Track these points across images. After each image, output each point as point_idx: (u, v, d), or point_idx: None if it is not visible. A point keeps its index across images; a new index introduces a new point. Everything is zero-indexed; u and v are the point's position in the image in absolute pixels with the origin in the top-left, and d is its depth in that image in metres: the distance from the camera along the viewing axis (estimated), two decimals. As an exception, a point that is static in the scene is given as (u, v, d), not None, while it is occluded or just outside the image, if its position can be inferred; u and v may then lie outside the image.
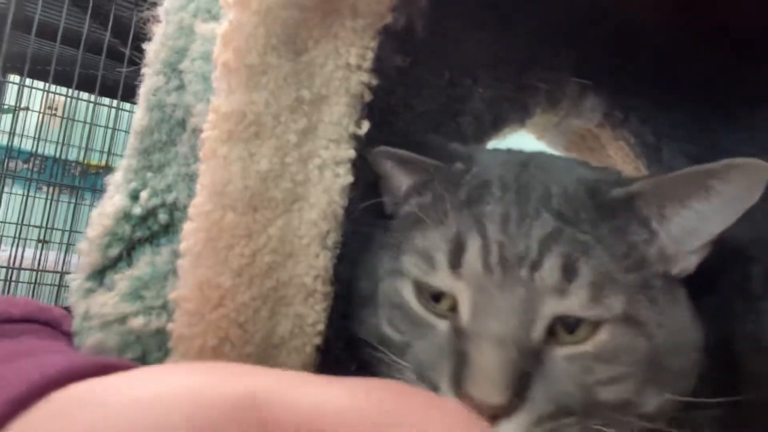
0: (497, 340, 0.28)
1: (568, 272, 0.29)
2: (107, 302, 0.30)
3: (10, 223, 1.74)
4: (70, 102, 1.69)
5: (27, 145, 1.89)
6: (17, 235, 1.67)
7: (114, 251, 0.31)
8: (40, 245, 1.73)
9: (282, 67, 0.28)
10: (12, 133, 1.70)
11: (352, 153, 0.32)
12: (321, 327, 0.31)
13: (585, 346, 0.29)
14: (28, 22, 1.27)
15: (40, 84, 1.80)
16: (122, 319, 0.29)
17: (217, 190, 0.28)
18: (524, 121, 0.53)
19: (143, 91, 0.34)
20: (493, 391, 0.27)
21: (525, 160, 0.36)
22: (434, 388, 0.29)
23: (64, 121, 1.79)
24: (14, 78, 1.74)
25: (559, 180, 0.33)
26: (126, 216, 0.32)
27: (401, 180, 0.37)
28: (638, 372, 0.30)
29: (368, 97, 0.32)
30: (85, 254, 0.32)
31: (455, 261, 0.30)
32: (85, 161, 1.86)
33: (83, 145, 1.75)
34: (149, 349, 0.29)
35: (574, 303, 0.29)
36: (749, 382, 0.33)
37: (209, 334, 0.28)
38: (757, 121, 0.44)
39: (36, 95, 1.86)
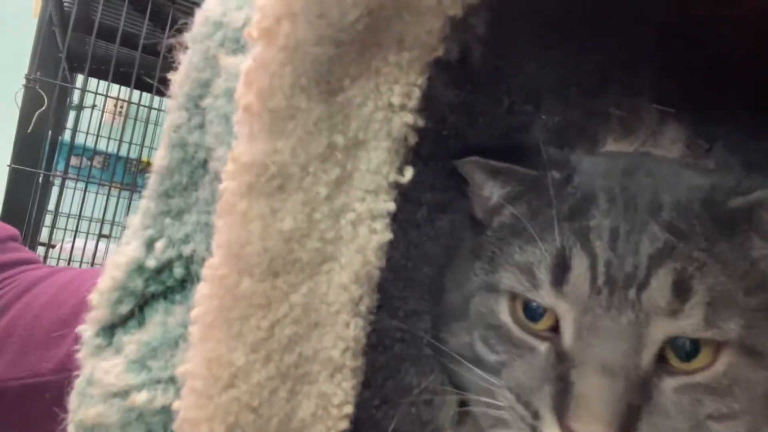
0: (604, 368, 0.26)
1: (681, 291, 0.27)
2: (112, 370, 0.26)
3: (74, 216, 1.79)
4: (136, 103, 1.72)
5: (91, 143, 1.95)
6: (77, 228, 1.72)
7: (124, 308, 0.28)
8: (98, 238, 1.78)
9: (312, 110, 0.24)
10: (89, 133, 1.76)
11: (391, 205, 0.27)
12: (349, 409, 0.27)
13: (698, 376, 0.27)
14: (89, 23, 1.30)
15: (115, 87, 1.84)
16: (125, 393, 0.26)
17: (234, 252, 0.24)
18: (594, 151, 0.47)
19: (165, 126, 0.30)
20: (598, 426, 0.25)
21: (630, 167, 0.33)
22: (534, 414, 0.28)
23: (129, 120, 1.84)
24: (81, 78, 1.79)
25: (670, 188, 0.31)
26: (139, 268, 0.28)
27: (492, 190, 0.34)
28: (755, 409, 0.27)
29: (413, 139, 0.28)
30: (95, 307, 0.29)
31: (559, 279, 0.28)
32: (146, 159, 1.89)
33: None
34: (153, 428, 0.26)
35: (687, 324, 0.27)
36: None
37: (217, 420, 0.24)
38: None
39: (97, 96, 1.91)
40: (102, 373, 0.27)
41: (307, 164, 0.25)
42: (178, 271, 0.28)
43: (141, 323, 0.28)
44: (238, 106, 0.24)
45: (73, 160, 2.06)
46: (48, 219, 1.78)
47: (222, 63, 0.27)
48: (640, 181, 0.31)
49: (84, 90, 1.59)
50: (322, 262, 0.26)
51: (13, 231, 0.48)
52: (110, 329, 0.29)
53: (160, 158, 0.30)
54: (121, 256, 0.29)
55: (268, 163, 0.24)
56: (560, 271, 0.28)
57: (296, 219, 0.25)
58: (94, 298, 0.29)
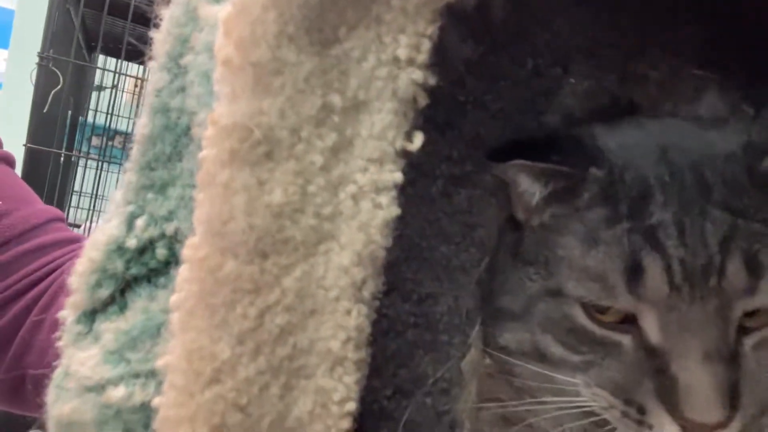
0: (703, 357, 0.27)
1: (754, 269, 0.28)
2: (88, 361, 0.24)
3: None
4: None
5: (111, 123, 1.95)
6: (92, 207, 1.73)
7: (104, 292, 0.26)
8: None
9: (302, 64, 0.21)
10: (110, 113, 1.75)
11: (398, 176, 0.24)
12: (351, 406, 0.24)
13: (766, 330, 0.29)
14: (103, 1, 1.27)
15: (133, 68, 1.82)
16: (101, 388, 0.23)
17: (215, 229, 0.21)
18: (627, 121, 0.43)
19: (148, 90, 0.27)
20: (713, 411, 0.26)
21: (663, 146, 0.32)
22: (639, 409, 0.28)
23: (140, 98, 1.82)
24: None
25: (709, 162, 0.31)
26: (119, 248, 0.26)
27: (534, 189, 0.33)
28: None
29: (423, 100, 0.24)
30: (74, 291, 0.26)
31: (634, 283, 0.28)
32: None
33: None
34: (131, 427, 0.23)
35: (764, 298, 0.28)
36: None
37: (199, 420, 0.21)
38: None
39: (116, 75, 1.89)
40: (78, 365, 0.24)
41: (298, 128, 0.21)
42: (161, 251, 0.26)
43: (122, 309, 0.26)
44: (218, 61, 0.20)
45: (95, 141, 2.06)
46: (74, 199, 1.79)
47: (201, 13, 0.24)
48: (680, 161, 0.31)
49: (98, 68, 1.57)
50: (319, 241, 0.23)
51: (56, 212, 0.47)
52: (91, 315, 0.26)
53: (141, 126, 0.27)
54: (100, 235, 0.26)
55: (253, 126, 0.21)
56: (634, 275, 0.28)
57: (287, 191, 0.22)
58: (73, 281, 0.27)
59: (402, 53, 0.22)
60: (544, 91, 0.39)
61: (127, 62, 1.63)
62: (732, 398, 0.27)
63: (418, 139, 0.25)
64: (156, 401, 0.22)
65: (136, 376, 0.23)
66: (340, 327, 0.24)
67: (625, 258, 0.28)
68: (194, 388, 0.21)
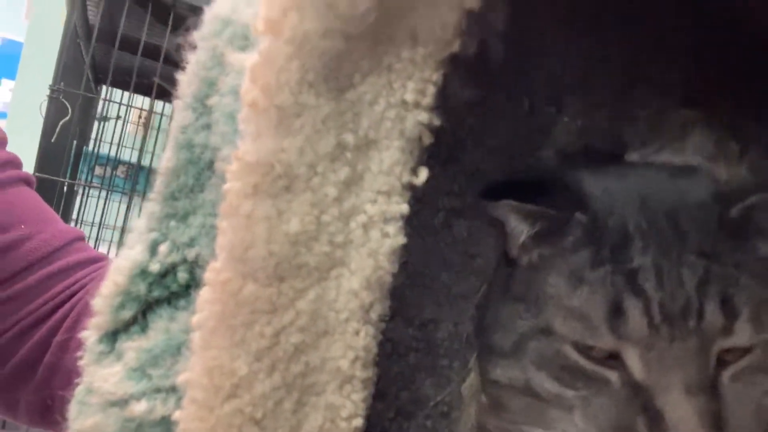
0: (685, 391, 0.28)
1: (729, 310, 0.29)
2: (111, 377, 0.25)
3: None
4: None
5: (114, 152, 1.98)
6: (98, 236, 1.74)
7: (127, 313, 0.27)
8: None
9: (320, 107, 0.23)
10: (115, 143, 1.78)
11: (404, 208, 0.26)
12: (358, 422, 0.25)
13: (743, 362, 0.30)
14: (113, 35, 1.31)
15: (139, 100, 1.85)
16: (124, 402, 0.24)
17: (237, 255, 0.23)
18: (618, 157, 0.45)
19: (172, 127, 0.29)
20: None
21: (642, 194, 0.34)
22: None
23: (152, 130, 1.86)
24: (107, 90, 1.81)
25: (684, 210, 0.32)
26: (142, 272, 0.27)
27: (522, 228, 0.35)
28: None
29: (428, 139, 0.26)
30: (97, 312, 0.28)
31: (616, 324, 0.30)
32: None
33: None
34: None
35: (741, 338, 0.29)
36: None
37: (218, 433, 0.23)
38: None
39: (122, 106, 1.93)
40: (101, 381, 0.26)
41: (315, 164, 0.24)
42: (182, 275, 0.27)
43: (144, 329, 0.27)
44: (244, 103, 0.23)
45: (98, 170, 2.09)
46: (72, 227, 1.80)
47: (229, 60, 0.26)
48: (657, 209, 0.33)
49: (107, 100, 1.61)
50: (331, 266, 0.25)
51: (78, 232, 0.48)
52: (113, 335, 0.28)
53: (166, 160, 0.29)
54: (124, 261, 0.28)
55: (274, 162, 0.23)
56: (616, 316, 0.30)
57: (303, 221, 0.24)
58: (96, 303, 0.28)
59: (409, 97, 0.25)
60: (539, 128, 0.41)
61: (133, 95, 1.67)
62: (717, 427, 0.28)
63: (423, 174, 0.27)
64: (176, 415, 0.24)
65: (158, 391, 0.25)
66: (349, 347, 0.25)
67: (608, 300, 0.30)
68: (214, 402, 0.23)
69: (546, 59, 0.40)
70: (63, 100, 1.21)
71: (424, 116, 0.25)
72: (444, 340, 0.38)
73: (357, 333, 0.25)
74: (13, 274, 0.42)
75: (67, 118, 1.29)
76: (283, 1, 0.21)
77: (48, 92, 1.20)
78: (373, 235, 0.25)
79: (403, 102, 0.25)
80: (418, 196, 0.29)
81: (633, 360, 0.30)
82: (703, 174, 0.37)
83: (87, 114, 1.89)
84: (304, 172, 0.23)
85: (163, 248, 0.27)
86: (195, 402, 0.23)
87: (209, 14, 0.29)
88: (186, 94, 0.29)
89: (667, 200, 0.33)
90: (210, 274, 0.24)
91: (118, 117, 1.94)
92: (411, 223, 0.29)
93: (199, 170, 0.28)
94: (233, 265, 0.23)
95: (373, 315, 0.26)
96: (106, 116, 1.98)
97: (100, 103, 1.90)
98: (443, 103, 0.27)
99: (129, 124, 2.00)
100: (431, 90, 0.25)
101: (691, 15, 0.36)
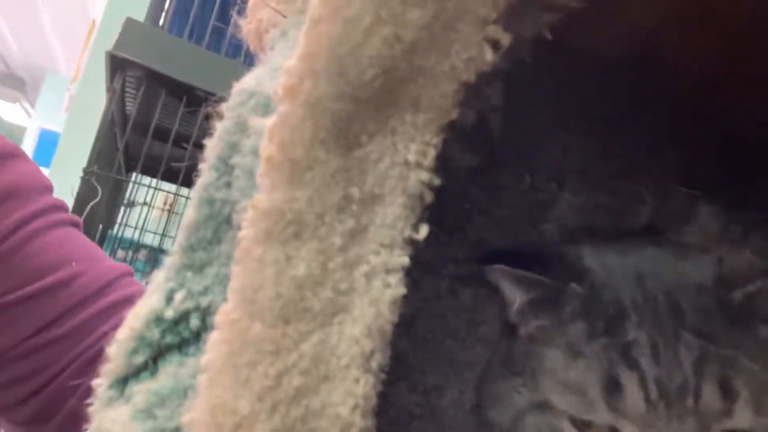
0: None
1: (727, 393, 0.29)
2: (118, 419, 0.26)
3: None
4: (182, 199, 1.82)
5: (137, 236, 2.03)
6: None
7: (139, 358, 0.28)
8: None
9: (330, 162, 0.25)
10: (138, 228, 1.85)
11: (405, 260, 0.28)
12: (357, 472, 0.25)
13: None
14: (147, 125, 1.41)
15: (165, 185, 1.94)
16: (129, 442, 0.25)
17: (247, 297, 0.25)
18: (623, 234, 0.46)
19: (196, 187, 0.32)
20: None
21: (640, 272, 0.34)
22: None
23: (175, 215, 1.92)
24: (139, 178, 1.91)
25: (683, 290, 0.32)
26: (157, 319, 0.29)
27: (515, 296, 0.35)
28: None
29: (429, 198, 0.28)
30: (111, 359, 0.29)
31: (613, 399, 0.30)
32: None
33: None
34: None
35: (741, 421, 0.29)
36: None
37: (217, 472, 0.23)
38: None
39: (149, 192, 2.02)
40: (109, 423, 0.26)
41: (323, 214, 0.26)
42: (195, 322, 0.29)
43: (153, 374, 0.28)
44: (262, 158, 0.25)
45: (120, 253, 2.15)
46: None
47: (251, 123, 0.29)
48: (655, 287, 0.32)
49: (136, 182, 1.69)
50: (335, 312, 0.26)
51: (127, 268, 0.49)
52: (123, 381, 0.29)
53: (188, 216, 0.32)
54: (141, 308, 0.30)
55: (286, 210, 0.25)
56: (612, 392, 0.29)
57: (310, 266, 0.25)
58: (111, 350, 0.30)
59: (411, 158, 0.27)
60: (541, 203, 0.43)
61: (161, 180, 1.75)
62: None
63: (424, 230, 0.28)
64: (178, 455, 0.24)
65: (163, 430, 0.25)
66: (350, 394, 0.26)
67: (603, 373, 0.30)
68: (215, 441, 0.23)
69: (546, 139, 0.43)
70: (94, 182, 1.27)
71: (425, 176, 0.28)
72: (448, 408, 0.37)
73: (357, 380, 0.26)
74: (68, 310, 0.43)
75: (97, 199, 1.35)
76: (301, 69, 0.24)
77: (81, 174, 1.27)
78: (375, 284, 0.27)
79: (405, 162, 0.27)
80: (424, 262, 0.30)
81: None
82: (707, 256, 0.37)
83: (115, 200, 1.98)
84: (313, 221, 0.25)
85: (178, 296, 0.29)
86: (197, 441, 0.24)
87: (236, 88, 0.33)
88: (210, 156, 0.32)
89: (667, 279, 0.33)
90: (221, 315, 0.25)
91: (144, 203, 2.02)
92: (417, 289, 0.30)
93: (218, 224, 0.30)
94: (243, 307, 0.25)
95: (374, 363, 0.27)
96: (133, 202, 2.06)
97: (129, 188, 1.98)
98: (444, 165, 0.29)
99: (153, 209, 2.08)
100: (431, 152, 0.28)
101: (692, 108, 0.39)
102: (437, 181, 0.29)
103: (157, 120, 1.43)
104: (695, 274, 0.34)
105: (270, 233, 0.25)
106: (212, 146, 0.32)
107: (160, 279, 0.31)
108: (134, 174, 1.89)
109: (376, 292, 0.27)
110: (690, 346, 0.29)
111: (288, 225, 0.25)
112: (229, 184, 0.30)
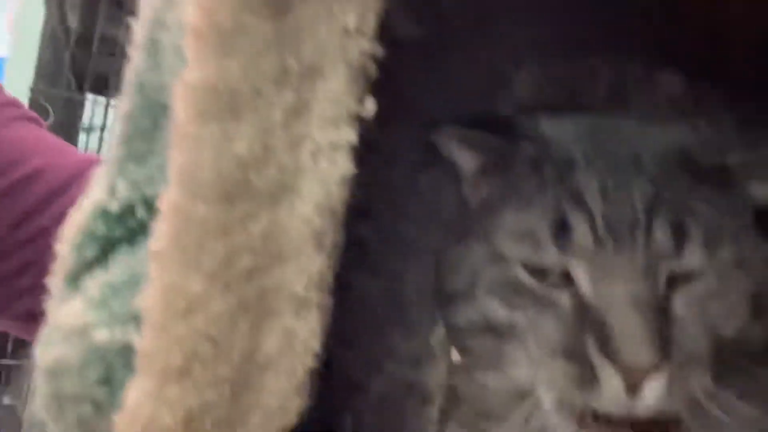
0: (631, 304, 0.28)
1: (680, 234, 0.29)
2: (72, 310, 0.26)
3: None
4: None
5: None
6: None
7: (88, 253, 0.28)
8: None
9: (260, 28, 0.24)
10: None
11: (353, 137, 0.27)
12: (316, 345, 0.26)
13: (696, 285, 0.30)
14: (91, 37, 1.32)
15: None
16: (84, 331, 0.25)
17: (187, 177, 0.24)
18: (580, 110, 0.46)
19: (127, 74, 0.30)
20: (645, 353, 0.27)
21: (601, 129, 0.34)
22: (582, 362, 0.29)
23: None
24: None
25: (646, 145, 0.32)
26: (103, 213, 0.28)
27: (469, 161, 0.35)
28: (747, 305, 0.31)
29: (373, 70, 0.27)
30: (61, 256, 0.29)
31: (562, 239, 0.30)
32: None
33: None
34: (114, 367, 0.25)
35: (691, 261, 0.29)
36: None
37: (174, 351, 0.23)
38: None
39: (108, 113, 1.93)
40: (63, 316, 0.26)
41: (259, 87, 0.24)
42: (141, 213, 0.28)
43: (105, 268, 0.28)
44: (186, 28, 0.24)
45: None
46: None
47: (176, -3, 0.27)
48: (616, 142, 0.32)
49: (91, 102, 1.61)
50: (282, 192, 0.26)
51: (97, 158, 0.47)
52: (75, 276, 0.28)
53: (123, 105, 0.30)
54: (85, 203, 0.29)
55: (218, 83, 0.23)
56: (562, 232, 0.30)
57: (251, 144, 0.24)
58: (60, 247, 0.29)
59: (351, 24, 0.26)
60: (497, 82, 0.42)
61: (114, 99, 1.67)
62: (664, 344, 0.28)
63: (370, 104, 0.27)
64: (136, 340, 0.24)
65: (117, 319, 0.25)
66: (304, 272, 0.26)
67: (553, 217, 0.30)
68: (169, 321, 0.23)
69: (499, 17, 0.41)
70: (43, 102, 1.21)
71: (366, 45, 0.26)
72: (411, 293, 0.38)
73: (310, 259, 0.26)
74: (44, 199, 0.42)
75: (50, 121, 1.29)
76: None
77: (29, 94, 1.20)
78: (322, 162, 0.26)
79: (344, 29, 0.26)
80: (377, 145, 0.30)
81: (580, 276, 0.30)
82: (677, 124, 0.36)
83: (70, 123, 1.89)
84: (249, 95, 0.24)
85: (121, 187, 0.28)
86: (151, 323, 0.24)
87: None
88: (138, 38, 0.29)
89: (630, 135, 0.33)
90: (163, 199, 0.24)
91: (102, 128, 1.94)
92: (371, 172, 0.30)
93: (155, 111, 0.29)
94: (184, 188, 0.24)
95: (326, 242, 0.27)
96: (90, 127, 1.98)
97: (87, 110, 1.89)
98: (388, 35, 0.28)
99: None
100: (371, 18, 0.26)
101: None
102: (380, 52, 0.27)
103: (101, 31, 1.34)
104: (665, 135, 0.34)
105: (204, 109, 0.24)
106: (141, 26, 0.30)
107: (101, 173, 0.30)
108: (87, 94, 1.81)
109: (324, 171, 0.26)
110: (643, 188, 0.30)
111: (222, 99, 0.24)
112: (159, 67, 0.28)
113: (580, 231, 0.29)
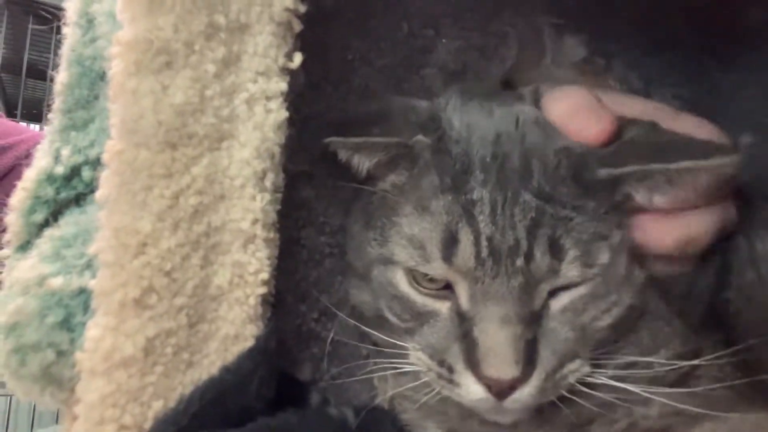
0: (501, 322, 0.29)
1: (556, 253, 0.30)
2: (27, 266, 0.27)
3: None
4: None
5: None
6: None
7: (38, 216, 0.29)
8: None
9: (187, -13, 0.26)
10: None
11: (284, 86, 0.29)
12: (265, 276, 0.28)
13: (574, 291, 0.31)
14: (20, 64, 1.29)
15: None
16: (41, 281, 0.26)
17: (128, 128, 0.26)
18: (500, 71, 0.50)
19: (63, 49, 0.32)
20: (507, 367, 0.29)
21: (499, 131, 0.33)
22: (449, 369, 0.31)
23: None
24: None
25: (540, 152, 0.32)
26: (49, 177, 0.29)
27: (362, 163, 0.34)
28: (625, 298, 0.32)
29: (297, 26, 0.30)
30: (11, 225, 0.30)
31: (448, 253, 0.30)
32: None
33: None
34: (72, 311, 0.26)
35: (568, 276, 0.30)
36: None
37: (130, 285, 0.25)
38: (754, 60, 0.41)
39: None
40: (19, 273, 0.27)
41: (191, 42, 0.27)
42: (87, 174, 0.29)
43: (57, 228, 0.29)
44: (118, -8, 0.26)
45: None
46: None
47: (103, -33, 0.29)
48: (512, 147, 0.32)
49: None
50: (221, 138, 0.28)
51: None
52: (27, 244, 0.30)
53: (60, 79, 0.31)
54: (31, 172, 0.30)
55: (152, 38, 0.26)
56: (449, 246, 0.30)
57: (187, 94, 0.26)
58: (10, 217, 0.30)
59: (273, -18, 0.28)
60: (420, 49, 0.45)
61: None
62: (528, 354, 0.29)
63: (297, 58, 0.30)
64: (92, 283, 0.26)
65: (73, 267, 0.27)
66: (248, 210, 0.28)
67: (443, 228, 0.30)
68: (124, 259, 0.25)
69: None
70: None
71: (289, 2, 0.29)
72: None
73: (254, 198, 0.28)
74: None
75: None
76: None
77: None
78: (257, 110, 0.28)
79: (268, -13, 0.28)
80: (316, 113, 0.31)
81: (461, 290, 0.31)
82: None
83: None
84: (182, 49, 0.26)
85: (65, 152, 0.29)
86: (107, 263, 0.25)
87: None
88: (72, 15, 0.31)
89: (528, 140, 0.33)
90: (107, 153, 0.26)
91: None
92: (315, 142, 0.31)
93: (92, 81, 0.31)
94: (126, 137, 0.26)
95: (267, 183, 0.29)
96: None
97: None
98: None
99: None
100: (292, -24, 0.29)
101: None
102: (303, 8, 0.30)
103: (30, 55, 1.32)
104: (563, 140, 0.33)
105: (140, 64, 0.26)
106: (72, 4, 0.31)
107: (44, 145, 0.31)
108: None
109: (259, 117, 0.28)
110: (527, 207, 0.30)
111: (157, 54, 0.26)
112: (94, 39, 0.30)
113: (465, 249, 0.30)
